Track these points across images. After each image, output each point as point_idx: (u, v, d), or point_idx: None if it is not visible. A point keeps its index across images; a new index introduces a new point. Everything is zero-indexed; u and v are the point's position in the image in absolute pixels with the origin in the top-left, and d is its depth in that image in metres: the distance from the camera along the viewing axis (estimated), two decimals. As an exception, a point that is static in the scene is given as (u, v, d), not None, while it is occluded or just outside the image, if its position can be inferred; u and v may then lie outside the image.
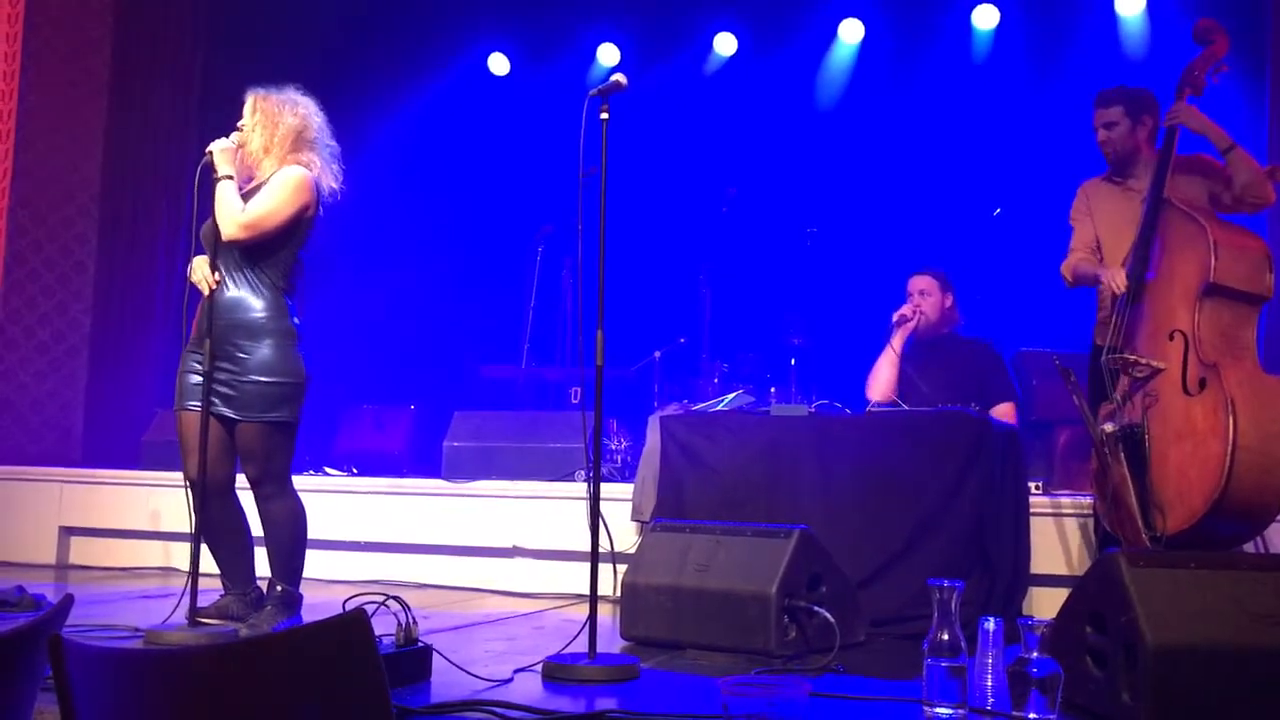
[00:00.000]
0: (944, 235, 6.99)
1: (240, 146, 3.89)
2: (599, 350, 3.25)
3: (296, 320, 3.86)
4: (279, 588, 3.83)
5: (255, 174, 3.91)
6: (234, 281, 3.80)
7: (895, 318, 5.15)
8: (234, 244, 3.76)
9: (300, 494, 3.92)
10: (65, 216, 7.15)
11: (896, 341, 5.12)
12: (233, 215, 3.74)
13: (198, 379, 3.75)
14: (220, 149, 3.83)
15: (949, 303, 5.20)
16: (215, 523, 3.84)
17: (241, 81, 4.03)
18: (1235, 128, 4.16)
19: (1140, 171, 4.19)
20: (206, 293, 3.78)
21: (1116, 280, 3.95)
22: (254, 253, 3.80)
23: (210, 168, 3.81)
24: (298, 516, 3.88)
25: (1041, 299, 6.05)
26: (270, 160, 3.89)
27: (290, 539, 3.86)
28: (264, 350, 3.76)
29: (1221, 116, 4.12)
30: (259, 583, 3.94)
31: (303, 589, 3.89)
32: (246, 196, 3.83)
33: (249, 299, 3.79)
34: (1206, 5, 5.14)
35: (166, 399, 4.29)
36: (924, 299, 5.17)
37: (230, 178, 3.80)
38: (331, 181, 3.97)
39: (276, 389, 3.76)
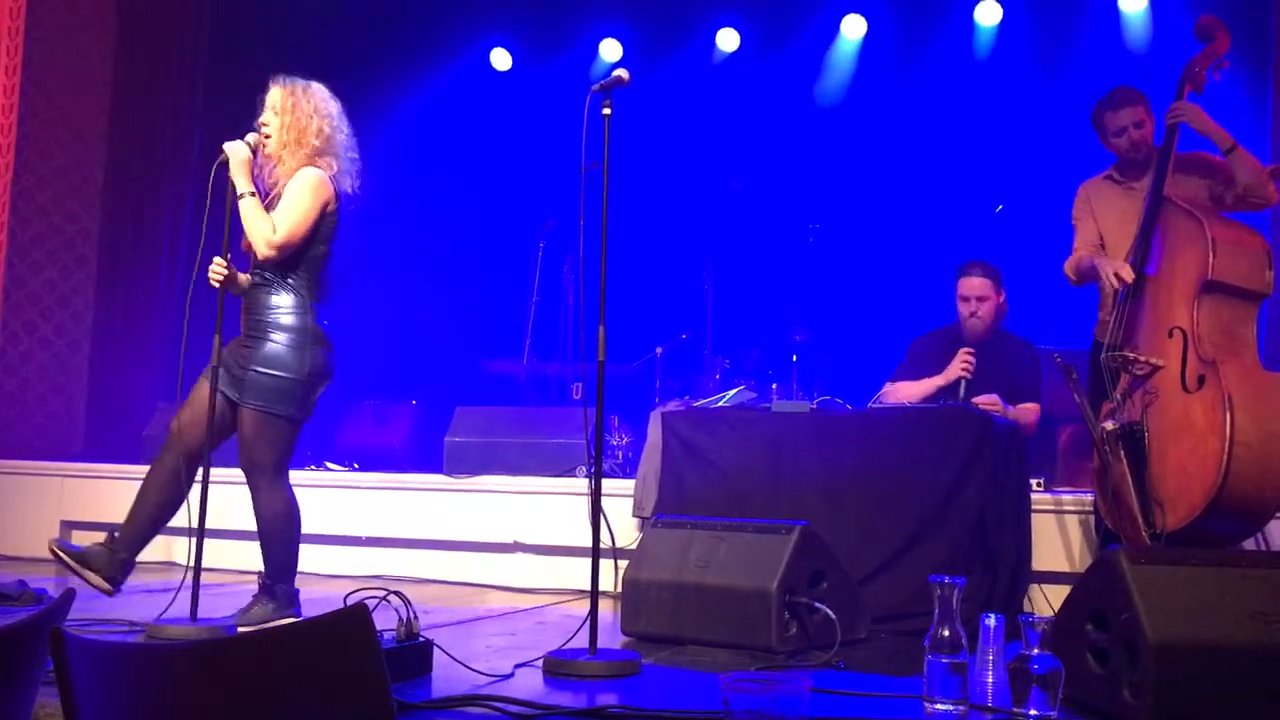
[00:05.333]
0: (946, 232, 6.98)
1: (260, 147, 3.89)
2: (601, 346, 3.25)
3: (318, 320, 3.92)
4: (273, 585, 3.83)
5: (274, 173, 3.92)
6: (257, 279, 3.90)
7: (957, 376, 4.82)
8: (268, 260, 3.83)
9: (301, 488, 3.92)
10: (68, 211, 7.15)
11: (940, 382, 4.87)
12: (265, 236, 3.80)
13: (226, 365, 3.81)
14: (238, 160, 3.80)
15: (1001, 299, 4.99)
16: (154, 473, 3.87)
17: (246, 73, 4.03)
18: (1237, 125, 4.14)
19: (1146, 169, 4.17)
20: (218, 286, 3.77)
21: (1123, 271, 3.91)
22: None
23: (225, 168, 3.81)
24: (287, 515, 3.88)
25: (1043, 296, 6.04)
26: (289, 163, 3.90)
27: (279, 536, 3.86)
28: (270, 344, 3.84)
29: (1223, 114, 4.10)
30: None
31: (305, 584, 3.89)
32: (268, 205, 3.85)
33: (267, 297, 3.88)
34: (1209, 1, 5.12)
35: (168, 393, 4.31)
36: (981, 304, 4.92)
37: (253, 194, 3.80)
38: (350, 186, 4.02)
39: (275, 382, 3.81)
